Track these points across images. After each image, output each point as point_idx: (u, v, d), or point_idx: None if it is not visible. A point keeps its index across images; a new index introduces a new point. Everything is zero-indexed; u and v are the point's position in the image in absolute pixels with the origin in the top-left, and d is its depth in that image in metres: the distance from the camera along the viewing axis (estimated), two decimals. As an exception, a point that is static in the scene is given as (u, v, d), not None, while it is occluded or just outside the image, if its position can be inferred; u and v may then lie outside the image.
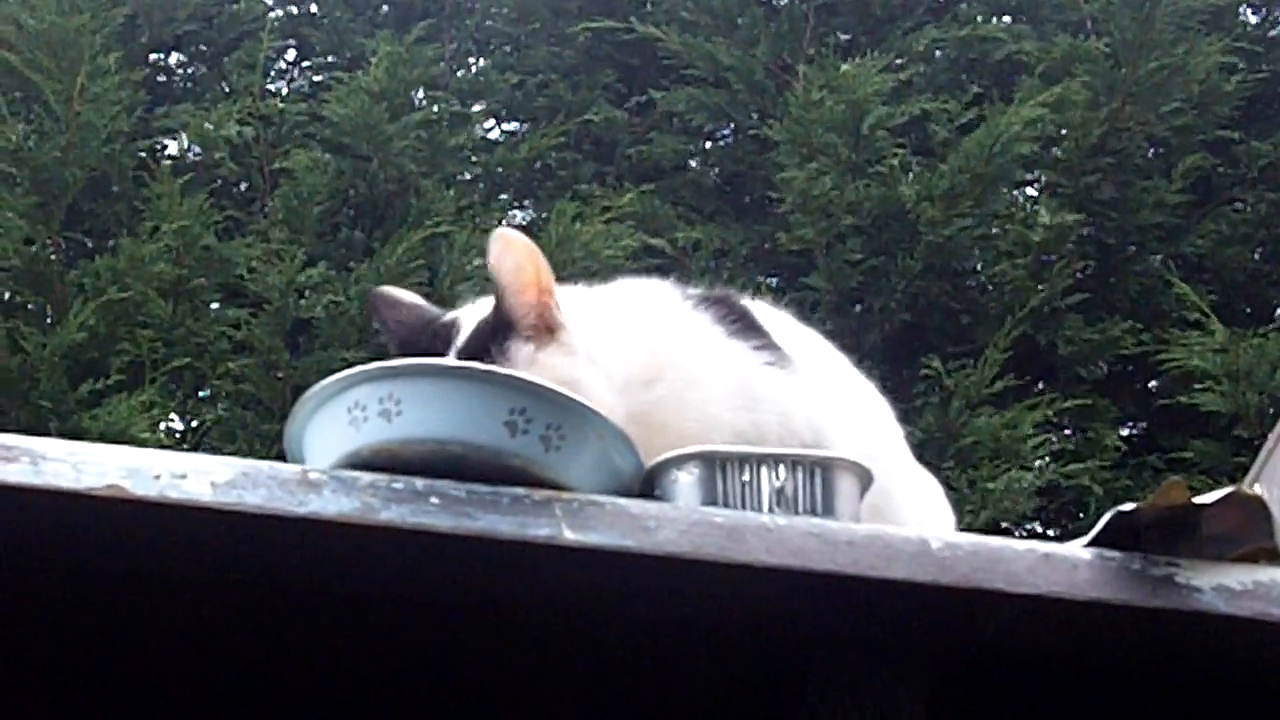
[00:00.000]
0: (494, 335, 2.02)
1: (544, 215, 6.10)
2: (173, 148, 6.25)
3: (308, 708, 1.98)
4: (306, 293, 5.60)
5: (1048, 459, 5.59)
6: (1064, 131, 5.96)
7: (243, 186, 6.16)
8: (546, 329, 2.02)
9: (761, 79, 6.11)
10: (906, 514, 2.14)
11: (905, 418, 2.48)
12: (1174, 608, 1.69)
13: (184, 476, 1.66)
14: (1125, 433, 6.05)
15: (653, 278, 2.29)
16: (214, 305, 5.71)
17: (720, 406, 2.06)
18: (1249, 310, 6.13)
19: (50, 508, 1.67)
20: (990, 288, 5.87)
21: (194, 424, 5.64)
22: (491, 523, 1.67)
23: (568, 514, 1.69)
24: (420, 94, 6.23)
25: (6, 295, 5.66)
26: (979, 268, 5.97)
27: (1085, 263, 5.88)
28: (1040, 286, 5.72)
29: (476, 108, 6.40)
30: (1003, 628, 1.77)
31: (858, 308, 5.88)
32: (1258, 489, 1.78)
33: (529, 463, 1.74)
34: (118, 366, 5.36)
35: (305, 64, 6.71)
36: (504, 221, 6.10)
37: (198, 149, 6.05)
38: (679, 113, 6.28)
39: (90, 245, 5.84)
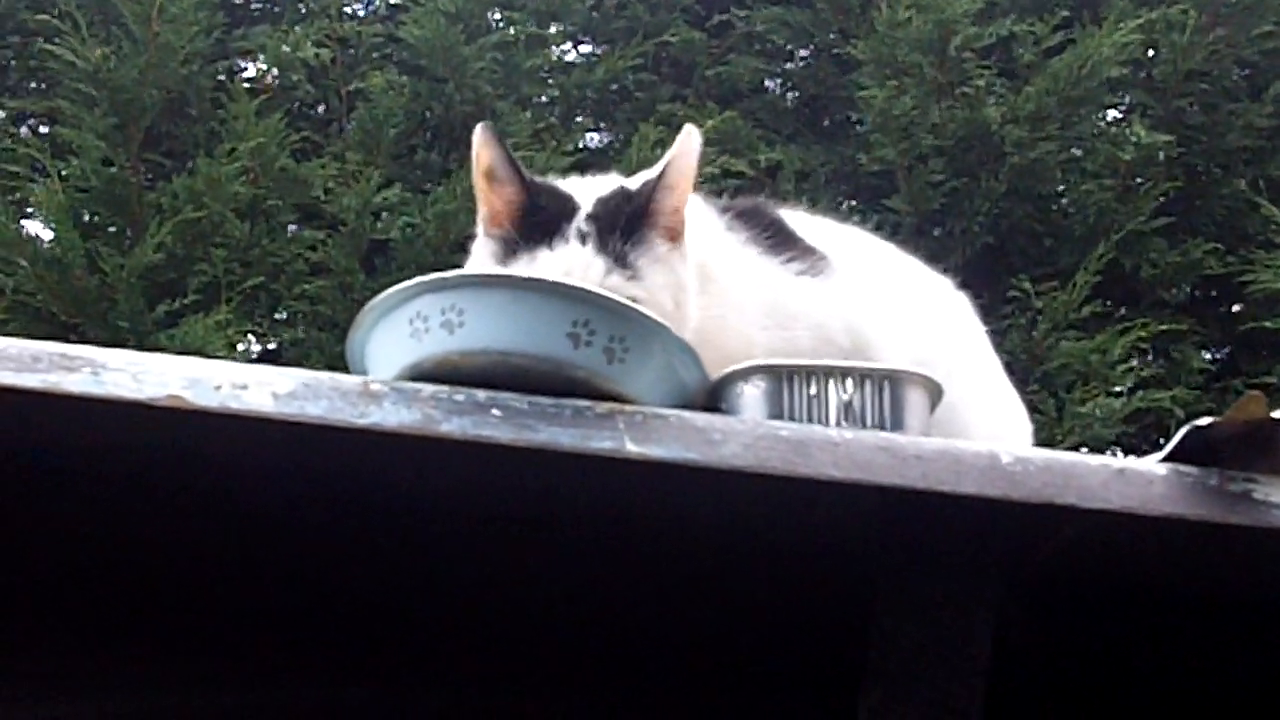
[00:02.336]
0: (629, 218, 2.01)
1: (621, 138, 6.05)
2: (250, 69, 6.25)
3: (365, 617, 1.97)
4: (382, 214, 5.59)
5: (1133, 384, 5.52)
6: (1150, 54, 5.86)
7: (319, 108, 6.15)
8: (674, 232, 2.03)
9: (845, -3, 6.03)
10: (971, 419, 2.11)
11: (990, 340, 2.43)
12: (1251, 524, 1.65)
13: (245, 387, 1.64)
14: (1208, 357, 5.96)
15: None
16: (290, 226, 5.72)
17: (755, 327, 2.07)
18: (1336, 233, 6.01)
19: (111, 418, 1.66)
20: (1073, 210, 5.79)
21: (270, 345, 5.66)
22: (553, 435, 1.64)
23: (631, 427, 1.65)
24: (497, 15, 6.18)
25: (85, 216, 5.67)
26: (1062, 190, 5.89)
27: (1171, 185, 5.78)
28: (1126, 209, 5.64)
29: (553, 29, 6.35)
30: (1074, 544, 1.73)
31: (938, 230, 5.81)
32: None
33: (592, 375, 1.72)
34: (195, 287, 5.38)
35: (382, -15, 6.68)
36: (580, 145, 6.06)
37: (275, 71, 6.05)
38: (758, 33, 6.20)
39: (168, 166, 5.84)
